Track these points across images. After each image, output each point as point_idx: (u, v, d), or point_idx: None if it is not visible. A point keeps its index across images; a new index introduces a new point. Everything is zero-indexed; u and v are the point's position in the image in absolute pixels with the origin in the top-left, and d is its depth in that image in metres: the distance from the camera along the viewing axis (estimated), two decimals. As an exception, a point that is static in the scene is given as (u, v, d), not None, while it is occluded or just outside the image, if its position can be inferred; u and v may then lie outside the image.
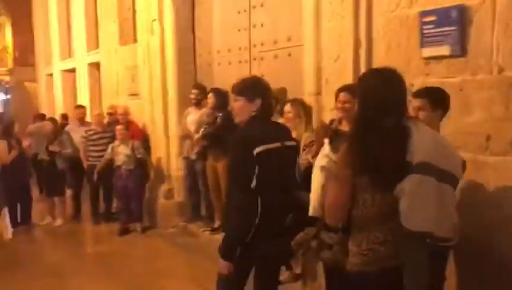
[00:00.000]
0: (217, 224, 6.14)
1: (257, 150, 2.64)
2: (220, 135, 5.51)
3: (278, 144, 2.75)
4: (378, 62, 3.88)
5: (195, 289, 4.69)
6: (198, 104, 6.19)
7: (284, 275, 4.07)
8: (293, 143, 2.93)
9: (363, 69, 3.96)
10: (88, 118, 8.74)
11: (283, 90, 5.09)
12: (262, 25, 5.82)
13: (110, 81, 9.19)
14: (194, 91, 6.28)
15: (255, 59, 5.96)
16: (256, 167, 2.61)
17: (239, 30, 6.16)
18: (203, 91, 6.22)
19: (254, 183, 2.61)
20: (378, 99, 2.07)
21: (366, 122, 2.10)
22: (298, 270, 3.86)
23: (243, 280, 2.79)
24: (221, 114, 5.68)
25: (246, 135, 2.74)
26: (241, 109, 2.82)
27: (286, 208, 2.79)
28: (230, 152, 2.83)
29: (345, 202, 2.11)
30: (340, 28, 4.22)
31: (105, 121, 7.73)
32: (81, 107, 8.59)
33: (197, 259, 5.44)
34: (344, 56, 4.20)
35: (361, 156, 2.05)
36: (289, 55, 5.41)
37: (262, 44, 5.83)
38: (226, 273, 2.65)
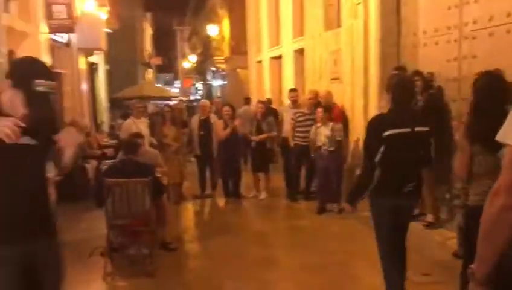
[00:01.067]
0: (430, 218, 5.80)
1: (386, 133, 3.33)
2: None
3: (408, 129, 3.39)
4: None
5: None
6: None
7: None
8: (424, 129, 3.47)
9: None
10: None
11: None
12: (476, 1, 5.34)
13: (313, 66, 9.53)
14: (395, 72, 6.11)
15: (466, 38, 5.52)
16: (382, 146, 3.33)
17: (449, 8, 5.76)
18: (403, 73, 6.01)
19: (378, 157, 3.37)
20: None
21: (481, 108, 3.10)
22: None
23: (384, 231, 3.52)
24: (422, 96, 5.43)
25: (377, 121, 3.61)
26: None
27: (408, 178, 3.48)
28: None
29: (467, 162, 3.12)
30: None
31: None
32: (294, 90, 9.02)
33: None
34: None
35: (477, 130, 3.02)
36: (508, 32, 4.87)
37: (474, 22, 5.36)
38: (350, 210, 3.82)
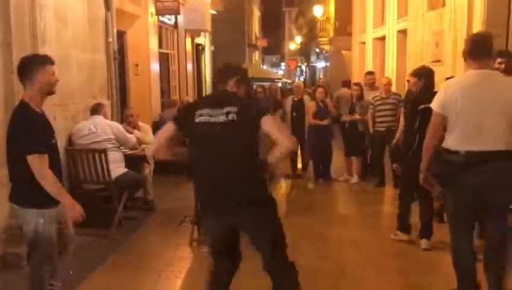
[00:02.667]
0: None
1: None
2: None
3: None
4: None
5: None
6: (507, 72, 5.57)
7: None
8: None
9: None
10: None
11: None
12: None
13: (415, 47, 9.16)
14: (500, 60, 5.67)
15: None
16: None
17: None
18: (508, 59, 5.56)
19: None
20: None
21: None
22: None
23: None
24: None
25: None
26: None
27: None
28: None
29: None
30: None
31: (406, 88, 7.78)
32: (371, 73, 8.79)
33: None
34: None
35: None
36: None
37: None
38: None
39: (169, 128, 2.97)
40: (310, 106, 8.03)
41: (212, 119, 2.77)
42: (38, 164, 2.97)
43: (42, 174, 2.98)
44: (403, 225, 5.05)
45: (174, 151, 3.10)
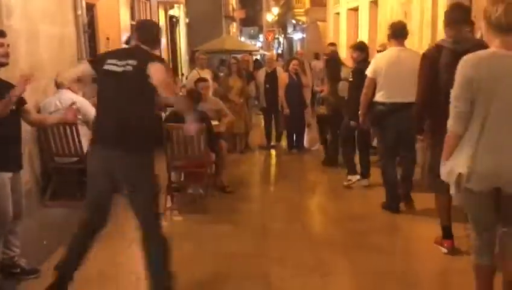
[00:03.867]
0: None
1: None
2: None
3: None
4: None
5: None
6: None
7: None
8: None
9: None
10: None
11: None
12: None
13: (385, 18, 9.27)
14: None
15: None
16: None
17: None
18: (471, 29, 5.73)
19: None
20: None
21: None
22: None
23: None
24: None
25: None
26: None
27: None
28: None
29: None
30: None
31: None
32: (333, 44, 8.83)
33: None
34: None
35: None
36: None
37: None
38: None
39: (84, 67, 3.43)
40: (283, 77, 8.12)
41: (114, 68, 3.10)
42: None
43: None
44: (350, 168, 6.09)
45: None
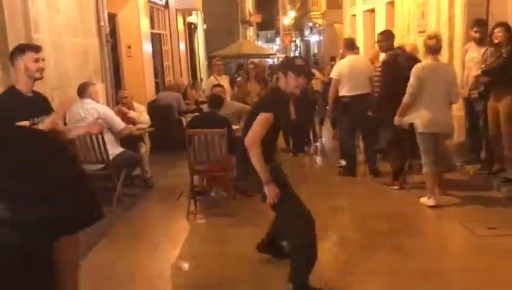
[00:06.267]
0: (495, 168, 5.85)
1: None
2: (504, 71, 5.17)
3: None
4: None
5: (452, 224, 4.72)
6: (481, 41, 5.79)
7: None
8: None
9: None
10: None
11: None
12: None
13: (402, 19, 9.28)
14: (476, 28, 5.88)
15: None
16: None
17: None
18: (484, 28, 5.77)
19: None
20: None
21: None
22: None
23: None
24: (506, 48, 5.22)
25: None
26: None
27: None
28: None
29: None
30: None
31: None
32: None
33: (460, 197, 5.41)
34: None
35: None
36: None
37: None
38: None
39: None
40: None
41: None
42: None
43: None
44: (343, 154, 7.00)
45: None
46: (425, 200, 5.17)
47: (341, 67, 6.62)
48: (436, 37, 5.06)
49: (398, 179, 5.88)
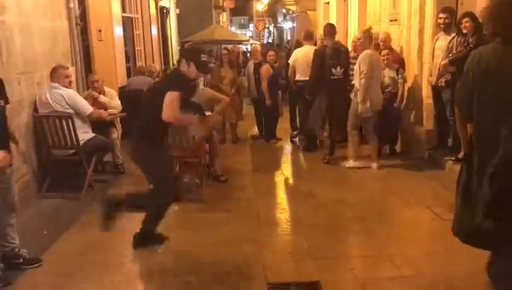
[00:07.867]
0: (461, 155, 6.02)
1: None
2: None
3: None
4: None
5: (420, 209, 4.87)
6: (447, 29, 5.92)
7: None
8: None
9: None
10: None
11: None
12: None
13: (373, 7, 9.36)
14: (442, 15, 6.00)
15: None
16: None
17: None
18: (452, 15, 5.90)
19: None
20: None
21: None
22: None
23: None
24: (473, 38, 5.36)
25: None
26: None
27: None
28: None
29: None
30: None
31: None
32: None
33: (431, 184, 5.57)
34: None
35: None
36: None
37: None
38: None
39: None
40: (264, 69, 8.20)
41: None
42: None
43: None
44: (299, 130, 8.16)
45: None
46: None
47: (296, 55, 7.77)
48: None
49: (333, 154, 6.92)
